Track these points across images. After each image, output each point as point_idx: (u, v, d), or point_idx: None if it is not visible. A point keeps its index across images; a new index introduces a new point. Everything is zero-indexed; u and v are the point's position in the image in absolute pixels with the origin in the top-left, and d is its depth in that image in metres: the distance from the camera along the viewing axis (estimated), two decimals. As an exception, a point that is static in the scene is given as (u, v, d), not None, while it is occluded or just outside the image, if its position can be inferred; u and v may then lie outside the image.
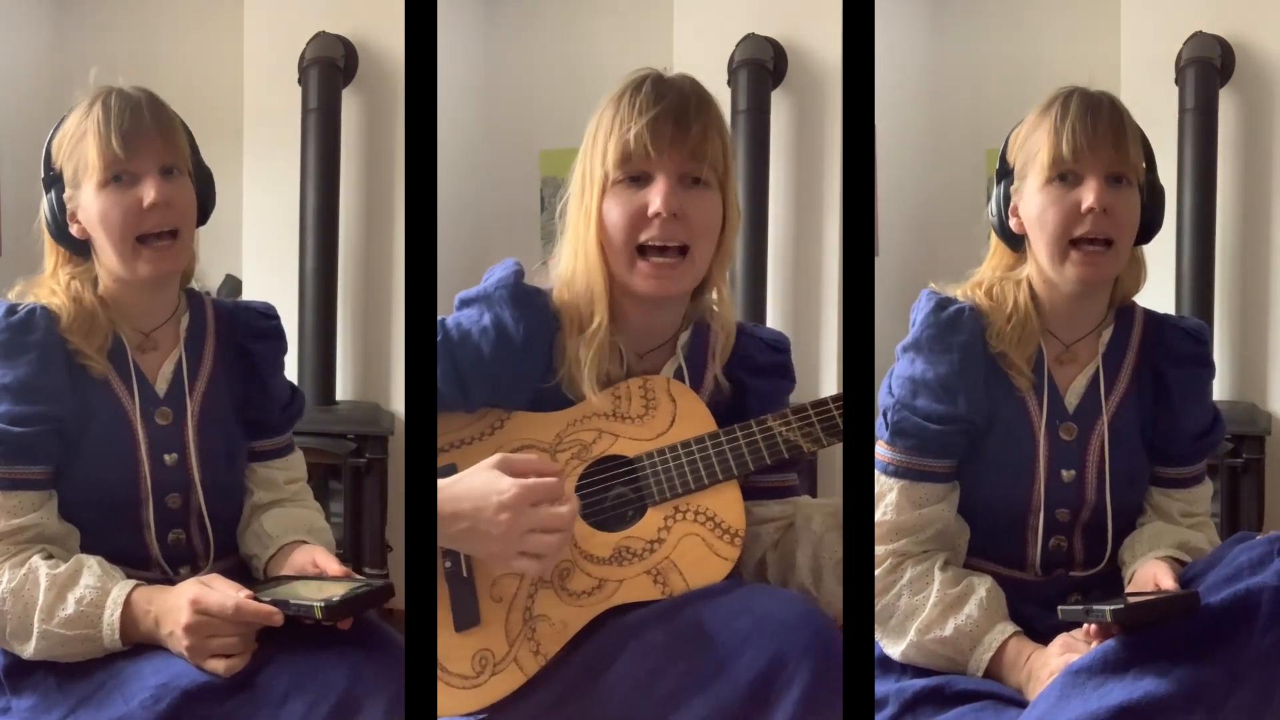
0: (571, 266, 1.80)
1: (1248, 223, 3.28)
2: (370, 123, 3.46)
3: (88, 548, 1.80)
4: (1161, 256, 3.24)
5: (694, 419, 1.79)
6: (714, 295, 1.87)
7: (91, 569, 1.74)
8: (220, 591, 1.69)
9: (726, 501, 1.76)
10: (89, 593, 1.72)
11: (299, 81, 3.39)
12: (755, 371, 1.89)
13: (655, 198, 1.73)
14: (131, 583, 1.74)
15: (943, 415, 1.81)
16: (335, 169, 3.39)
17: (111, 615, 1.71)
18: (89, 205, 1.80)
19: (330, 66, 3.38)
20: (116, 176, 1.78)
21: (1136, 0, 3.33)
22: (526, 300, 1.78)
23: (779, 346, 1.94)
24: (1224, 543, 1.77)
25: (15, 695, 1.77)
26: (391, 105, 3.42)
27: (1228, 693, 1.57)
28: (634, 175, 1.75)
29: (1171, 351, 1.87)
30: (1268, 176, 3.26)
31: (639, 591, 1.72)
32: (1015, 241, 1.87)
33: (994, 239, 1.90)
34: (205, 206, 1.88)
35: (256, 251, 3.46)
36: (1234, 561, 1.65)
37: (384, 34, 3.42)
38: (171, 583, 1.78)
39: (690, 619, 1.65)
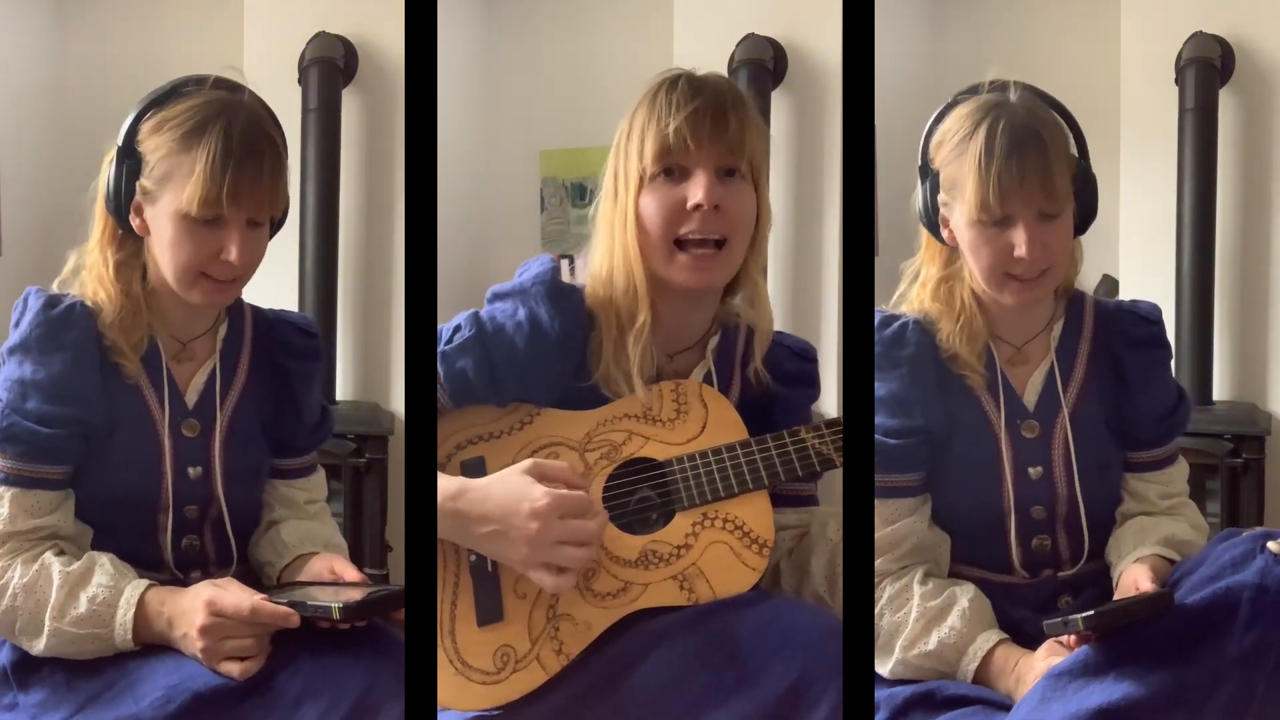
0: (608, 265, 1.79)
1: (1248, 223, 3.27)
2: (370, 123, 3.46)
3: (99, 545, 1.78)
4: (1161, 256, 3.24)
5: (725, 426, 1.78)
6: (743, 294, 1.86)
7: (104, 567, 1.73)
8: (235, 593, 1.68)
9: (756, 511, 1.74)
10: (102, 592, 1.71)
11: (299, 81, 3.39)
12: (783, 379, 1.88)
13: (697, 190, 1.73)
14: (144, 582, 1.73)
15: (900, 429, 1.80)
16: (335, 169, 3.38)
17: (125, 615, 1.70)
18: (163, 223, 1.75)
19: (330, 66, 3.38)
20: (207, 218, 1.73)
21: (1136, 0, 3.33)
22: (562, 296, 1.77)
23: (806, 355, 1.93)
24: (1211, 540, 1.77)
25: (23, 691, 1.75)
26: (391, 105, 3.42)
27: (1208, 693, 1.57)
28: (671, 169, 1.74)
29: (1126, 335, 1.87)
30: (1268, 176, 3.26)
31: (665, 596, 1.71)
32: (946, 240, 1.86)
33: (924, 232, 1.88)
34: (275, 228, 1.85)
35: (256, 251, 3.45)
36: (1217, 560, 1.64)
37: (384, 34, 3.42)
38: (183, 585, 1.77)
39: (718, 628, 1.64)
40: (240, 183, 1.71)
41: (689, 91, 1.74)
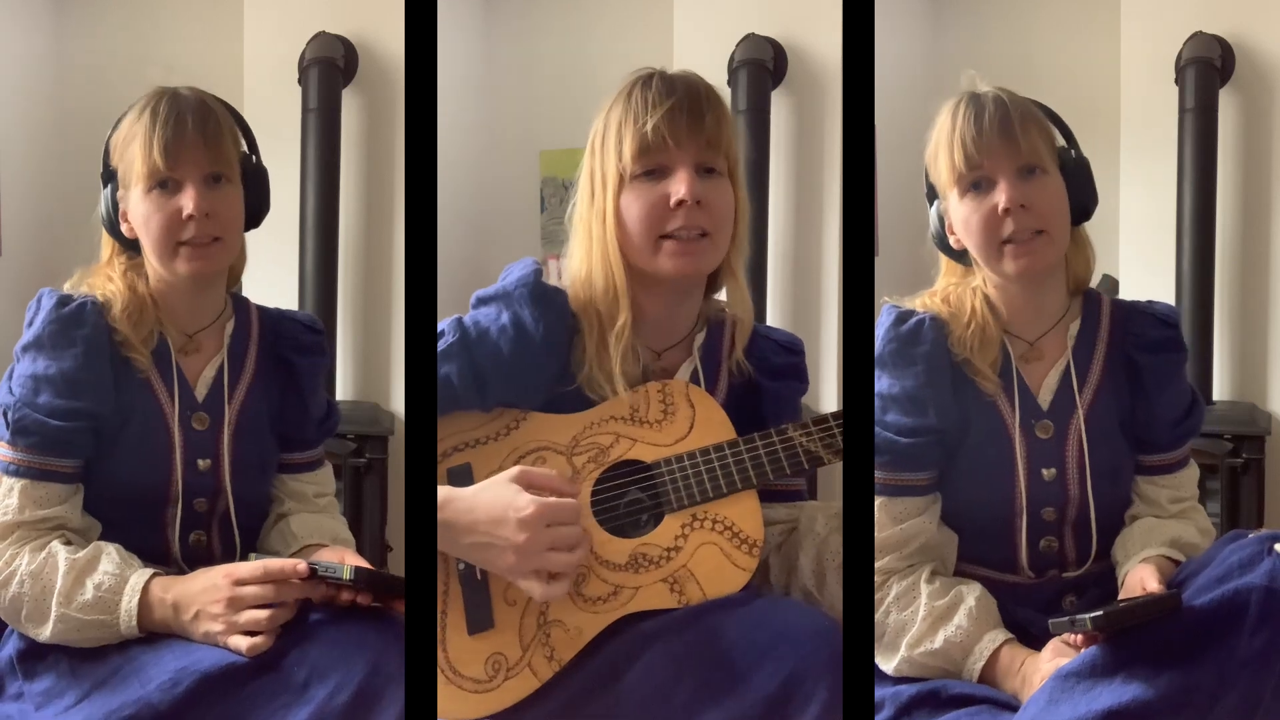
0: (587, 266, 1.79)
1: (1248, 223, 3.27)
2: (370, 123, 3.46)
3: (106, 538, 1.81)
4: (1161, 256, 3.24)
5: (712, 425, 1.77)
6: (728, 287, 1.87)
7: (110, 556, 1.76)
8: (245, 564, 1.73)
9: (745, 511, 1.74)
10: (108, 579, 1.74)
11: (299, 81, 3.39)
12: (770, 373, 1.88)
13: (680, 186, 1.73)
14: (149, 571, 1.77)
15: (914, 428, 1.80)
16: (335, 169, 3.38)
17: (130, 602, 1.73)
18: (135, 208, 1.84)
19: (330, 66, 3.38)
20: (161, 183, 1.81)
21: (1136, 0, 3.32)
22: (546, 299, 1.78)
23: (793, 348, 1.94)
24: (1217, 541, 1.77)
25: (29, 680, 1.78)
26: (391, 105, 3.42)
27: (1216, 696, 1.57)
28: (651, 169, 1.75)
29: (1143, 338, 1.86)
30: (1268, 176, 3.26)
31: (655, 599, 1.71)
32: (961, 256, 1.87)
33: (942, 258, 1.90)
34: (257, 210, 1.91)
35: (257, 251, 3.45)
36: (1225, 561, 1.64)
37: (384, 34, 3.42)
38: None
39: (708, 629, 1.64)
40: (169, 141, 1.80)
41: (664, 89, 1.75)
